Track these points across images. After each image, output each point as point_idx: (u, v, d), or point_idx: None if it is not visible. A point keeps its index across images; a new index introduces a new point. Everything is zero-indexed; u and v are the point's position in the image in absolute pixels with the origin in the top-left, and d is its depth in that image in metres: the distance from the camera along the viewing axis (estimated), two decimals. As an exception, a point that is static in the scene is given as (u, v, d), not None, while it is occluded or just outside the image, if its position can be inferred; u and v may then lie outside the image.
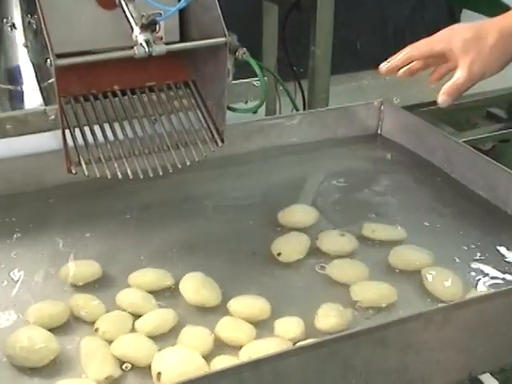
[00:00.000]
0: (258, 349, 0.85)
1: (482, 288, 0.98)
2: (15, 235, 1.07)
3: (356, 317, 0.92)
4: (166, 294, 0.96)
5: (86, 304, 0.93)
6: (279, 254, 1.03)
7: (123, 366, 0.84)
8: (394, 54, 1.19)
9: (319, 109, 1.53)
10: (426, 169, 1.27)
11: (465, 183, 1.20)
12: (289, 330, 0.89)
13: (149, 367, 0.83)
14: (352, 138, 1.36)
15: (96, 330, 0.88)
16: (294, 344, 0.86)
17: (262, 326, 0.91)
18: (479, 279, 1.00)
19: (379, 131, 1.37)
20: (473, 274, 1.01)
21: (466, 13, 2.35)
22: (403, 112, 1.35)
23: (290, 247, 1.05)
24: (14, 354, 0.84)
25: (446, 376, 0.88)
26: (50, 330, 0.88)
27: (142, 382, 0.83)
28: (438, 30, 2.34)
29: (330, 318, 0.91)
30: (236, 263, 1.03)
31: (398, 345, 0.81)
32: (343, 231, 1.08)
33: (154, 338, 0.88)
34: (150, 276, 0.98)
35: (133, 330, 0.89)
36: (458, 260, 1.03)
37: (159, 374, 0.81)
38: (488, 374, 0.95)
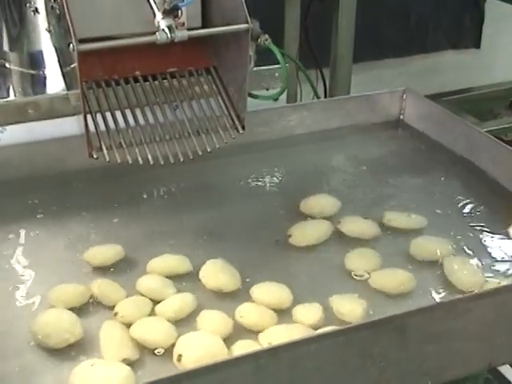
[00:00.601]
0: (277, 335, 0.85)
1: (503, 278, 0.97)
2: (38, 216, 1.08)
3: (375, 305, 0.92)
4: (185, 280, 0.96)
5: (107, 288, 0.93)
6: (289, 236, 1.04)
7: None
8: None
9: (341, 96, 1.52)
10: (447, 158, 1.26)
11: (487, 173, 1.19)
12: (308, 316, 0.89)
13: (167, 350, 0.84)
14: (374, 126, 1.35)
15: (115, 315, 0.89)
16: (314, 330, 0.86)
17: (281, 312, 0.91)
18: (500, 270, 0.99)
19: (401, 119, 1.37)
20: (494, 264, 1.00)
21: (490, 2, 2.33)
22: (426, 100, 1.34)
23: (303, 232, 1.05)
24: (40, 335, 0.85)
25: (465, 366, 0.87)
26: (69, 312, 0.89)
27: (160, 364, 0.83)
28: (462, 20, 2.33)
29: (347, 306, 0.91)
30: (257, 250, 1.03)
31: (417, 334, 0.81)
32: (364, 217, 1.08)
33: (174, 322, 0.88)
34: (169, 262, 0.98)
35: (151, 314, 0.90)
36: (478, 250, 1.03)
37: (180, 356, 0.81)
38: (508, 366, 0.94)
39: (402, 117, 1.37)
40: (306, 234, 1.05)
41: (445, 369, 0.85)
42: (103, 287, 0.93)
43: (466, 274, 0.97)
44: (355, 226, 1.07)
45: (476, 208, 1.14)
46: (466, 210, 1.13)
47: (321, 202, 1.12)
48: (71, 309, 0.89)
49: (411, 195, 1.18)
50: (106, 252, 1.00)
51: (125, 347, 0.84)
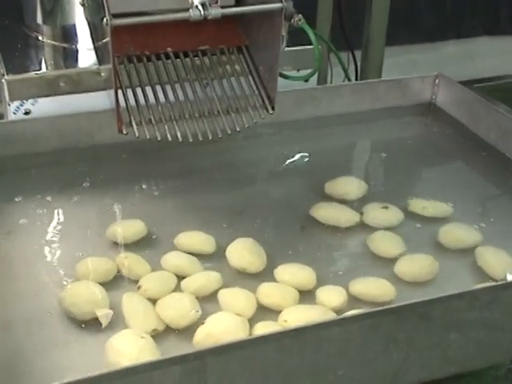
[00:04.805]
0: (298, 314, 0.85)
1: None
2: (67, 189, 1.09)
3: (400, 290, 0.91)
4: (212, 257, 0.96)
5: (132, 262, 0.93)
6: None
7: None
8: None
9: (372, 79, 1.51)
10: (478, 145, 1.24)
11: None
12: (331, 298, 0.89)
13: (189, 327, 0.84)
14: (404, 111, 1.34)
15: (138, 288, 0.89)
16: (336, 313, 0.86)
17: (305, 294, 0.91)
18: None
19: (433, 105, 1.35)
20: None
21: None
22: (459, 86, 1.32)
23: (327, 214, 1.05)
24: (69, 306, 0.86)
25: (488, 356, 0.87)
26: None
27: (181, 341, 0.84)
28: (498, 6, 2.29)
29: (371, 290, 0.91)
30: (282, 231, 1.03)
31: (442, 322, 0.80)
32: (388, 204, 1.07)
33: (198, 299, 0.88)
34: (197, 239, 0.98)
35: (176, 290, 0.90)
36: (506, 240, 1.01)
37: (203, 323, 0.83)
38: (531, 356, 0.93)
39: (433, 102, 1.35)
40: (329, 216, 1.05)
41: (468, 357, 0.85)
42: (128, 261, 0.93)
43: (499, 262, 0.96)
44: (377, 215, 1.05)
45: (505, 197, 1.13)
46: (495, 199, 1.13)
47: (346, 185, 1.11)
48: (98, 282, 0.90)
49: (438, 182, 1.17)
50: (128, 228, 1.00)
51: (152, 318, 0.85)
